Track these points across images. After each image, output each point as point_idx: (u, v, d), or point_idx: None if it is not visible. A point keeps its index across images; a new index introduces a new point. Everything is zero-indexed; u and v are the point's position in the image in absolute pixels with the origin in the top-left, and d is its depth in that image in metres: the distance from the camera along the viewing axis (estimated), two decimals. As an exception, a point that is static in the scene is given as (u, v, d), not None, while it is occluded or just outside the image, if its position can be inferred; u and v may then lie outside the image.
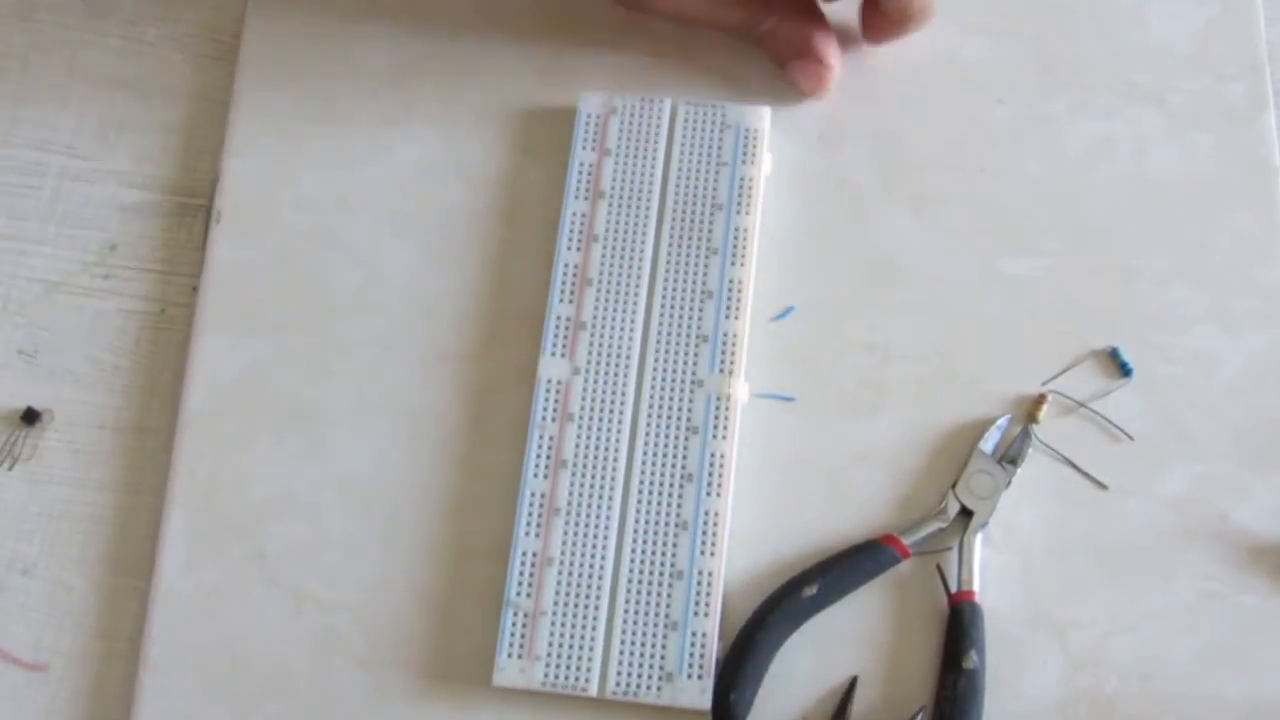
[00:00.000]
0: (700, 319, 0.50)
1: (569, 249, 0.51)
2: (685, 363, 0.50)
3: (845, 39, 0.54)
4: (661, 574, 0.47)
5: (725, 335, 0.50)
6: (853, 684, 0.47)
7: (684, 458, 0.48)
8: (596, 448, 0.49)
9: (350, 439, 0.50)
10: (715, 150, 0.52)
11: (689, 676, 0.46)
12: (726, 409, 0.49)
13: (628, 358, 0.50)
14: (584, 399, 0.49)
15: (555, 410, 0.49)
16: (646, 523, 0.48)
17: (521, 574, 0.47)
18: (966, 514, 0.48)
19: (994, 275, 0.52)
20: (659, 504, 0.48)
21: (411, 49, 0.55)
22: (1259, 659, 0.47)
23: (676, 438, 0.49)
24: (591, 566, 0.47)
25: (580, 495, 0.48)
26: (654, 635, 0.47)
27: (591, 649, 0.47)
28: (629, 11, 0.52)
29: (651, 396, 0.49)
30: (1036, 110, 0.54)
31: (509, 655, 0.47)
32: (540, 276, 0.51)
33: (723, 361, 0.49)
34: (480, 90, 0.54)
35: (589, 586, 0.47)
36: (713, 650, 0.46)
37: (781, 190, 0.53)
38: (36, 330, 0.53)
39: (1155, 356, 0.51)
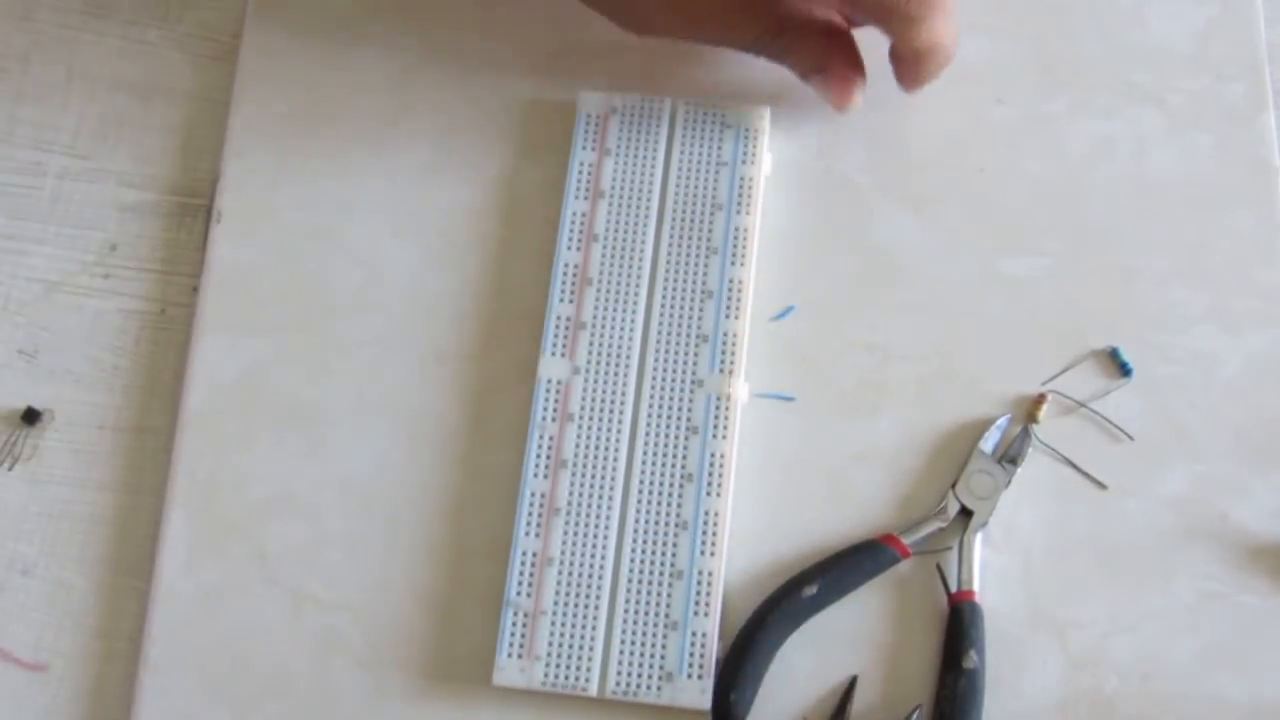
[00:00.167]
0: (700, 319, 0.50)
1: (569, 249, 0.51)
2: (685, 363, 0.50)
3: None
4: (661, 574, 0.47)
5: (725, 335, 0.50)
6: (852, 684, 0.47)
7: (684, 458, 0.48)
8: (596, 448, 0.49)
9: (350, 439, 0.50)
10: (715, 150, 0.52)
11: (689, 676, 0.46)
12: (726, 409, 0.49)
13: (628, 358, 0.50)
14: (584, 399, 0.49)
15: (555, 410, 0.49)
16: (646, 523, 0.48)
17: (521, 574, 0.47)
18: (966, 514, 0.48)
19: (994, 275, 0.52)
20: (659, 504, 0.48)
21: (411, 49, 0.55)
22: (1259, 659, 0.47)
23: (676, 438, 0.49)
24: (591, 566, 0.47)
25: (580, 495, 0.48)
26: (654, 635, 0.47)
27: (591, 649, 0.47)
28: (640, 36, 0.51)
29: (651, 396, 0.49)
30: (1036, 110, 0.54)
31: (509, 655, 0.47)
32: (540, 276, 0.51)
33: (723, 361, 0.49)
34: (480, 91, 0.54)
35: (589, 586, 0.47)
36: (713, 650, 0.46)
37: (781, 190, 0.53)
38: (36, 330, 0.53)
39: (1155, 356, 0.51)
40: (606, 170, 0.52)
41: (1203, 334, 0.51)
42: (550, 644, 0.47)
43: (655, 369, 0.50)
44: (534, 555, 0.48)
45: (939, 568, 0.48)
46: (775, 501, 0.49)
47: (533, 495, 0.48)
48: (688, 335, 0.50)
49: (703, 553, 0.47)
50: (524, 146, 0.54)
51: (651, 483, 0.48)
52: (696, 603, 0.47)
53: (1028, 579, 0.48)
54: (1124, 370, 0.50)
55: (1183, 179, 0.53)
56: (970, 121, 0.54)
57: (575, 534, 0.48)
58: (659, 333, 0.50)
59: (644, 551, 0.48)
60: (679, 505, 0.48)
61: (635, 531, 0.48)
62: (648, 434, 0.49)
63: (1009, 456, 0.49)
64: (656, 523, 0.48)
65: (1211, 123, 0.53)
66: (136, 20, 0.57)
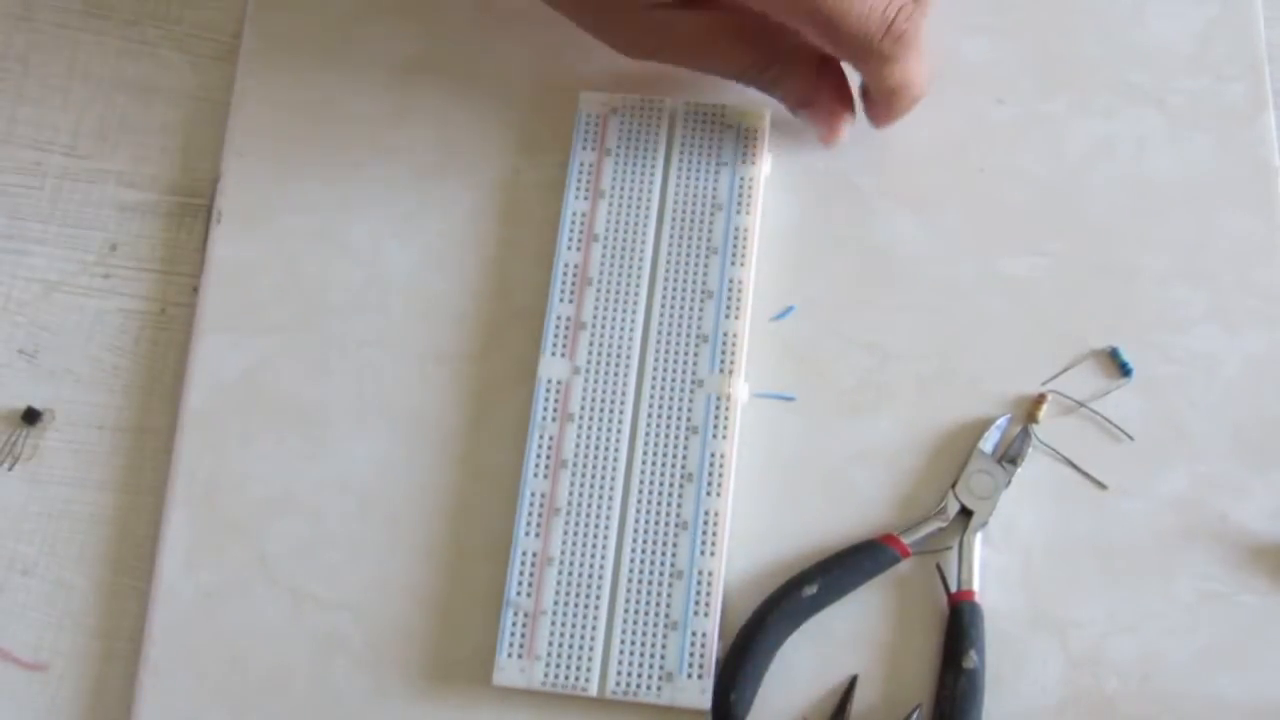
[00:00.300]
0: (700, 319, 0.50)
1: (569, 249, 0.51)
2: (685, 363, 0.50)
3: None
4: (661, 574, 0.47)
5: (725, 335, 0.50)
6: (852, 683, 0.47)
7: (684, 458, 0.48)
8: (596, 448, 0.49)
9: (350, 439, 0.50)
10: (715, 150, 0.52)
11: (689, 676, 0.46)
12: (726, 409, 0.49)
13: (628, 358, 0.50)
14: (584, 399, 0.49)
15: (555, 410, 0.49)
16: (646, 523, 0.48)
17: (521, 574, 0.47)
18: (966, 514, 0.48)
19: (994, 275, 0.52)
20: (659, 504, 0.48)
21: (411, 49, 0.55)
22: (1259, 659, 0.47)
23: (676, 438, 0.49)
24: (591, 566, 0.47)
25: (580, 495, 0.48)
26: (654, 635, 0.47)
27: (591, 649, 0.47)
28: (637, 59, 0.51)
29: (651, 396, 0.49)
30: (1036, 110, 0.54)
31: (509, 655, 0.47)
32: (540, 276, 0.51)
33: (723, 361, 0.49)
34: (480, 91, 0.54)
35: (589, 586, 0.47)
36: (713, 650, 0.46)
37: (781, 190, 0.53)
38: (36, 330, 0.53)
39: (1155, 356, 0.51)
40: (606, 170, 0.52)
41: (1203, 334, 0.51)
42: (550, 644, 0.47)
43: (655, 369, 0.50)
44: (534, 555, 0.48)
45: (939, 568, 0.48)
46: (775, 501, 0.49)
47: (533, 495, 0.48)
48: (688, 335, 0.50)
49: (703, 553, 0.47)
50: (524, 147, 0.54)
51: (651, 483, 0.48)
52: (696, 603, 0.47)
53: (1028, 579, 0.48)
54: (1124, 370, 0.50)
55: (1182, 179, 0.53)
56: (970, 121, 0.54)
57: (575, 534, 0.48)
58: (659, 333, 0.50)
59: (644, 551, 0.48)
60: (679, 505, 0.48)
61: (635, 531, 0.48)
62: (648, 434, 0.49)
63: (1009, 456, 0.49)
64: (656, 523, 0.48)
65: (1211, 123, 0.53)
66: (136, 20, 0.57)
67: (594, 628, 0.47)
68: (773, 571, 0.48)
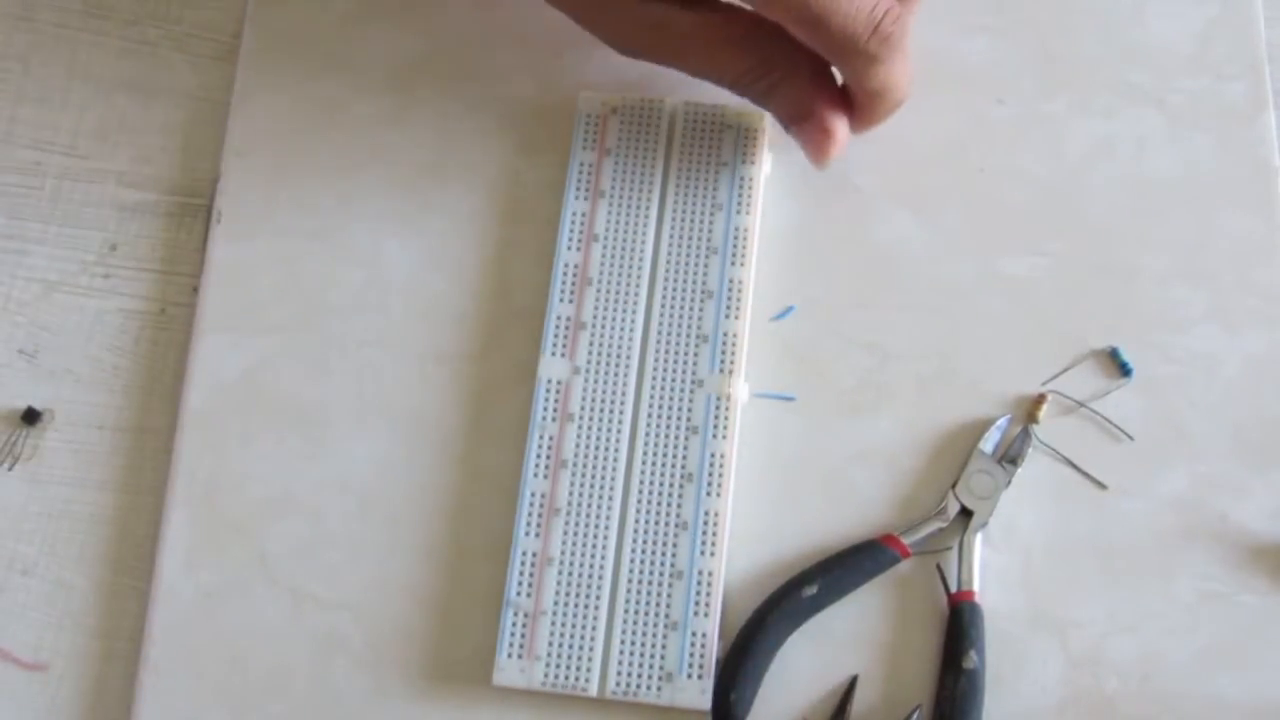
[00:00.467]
0: (700, 319, 0.50)
1: (569, 249, 0.51)
2: (685, 363, 0.50)
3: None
4: (661, 574, 0.47)
5: (725, 335, 0.50)
6: (853, 684, 0.47)
7: (684, 458, 0.48)
8: (596, 448, 0.49)
9: (350, 439, 0.50)
10: (715, 150, 0.52)
11: (689, 676, 0.46)
12: (726, 409, 0.49)
13: (628, 358, 0.50)
14: (584, 399, 0.49)
15: (555, 410, 0.49)
16: (646, 523, 0.48)
17: (521, 574, 0.47)
18: (966, 514, 0.48)
19: (994, 275, 0.52)
20: (659, 504, 0.48)
21: (411, 49, 0.55)
22: (1259, 659, 0.47)
23: (676, 438, 0.49)
24: (591, 566, 0.47)
25: (580, 495, 0.48)
26: (654, 635, 0.47)
27: (591, 649, 0.47)
28: (632, 56, 0.50)
29: (651, 396, 0.49)
30: (1036, 110, 0.54)
31: (509, 655, 0.47)
32: (540, 276, 0.51)
33: (723, 361, 0.49)
34: (480, 90, 0.54)
35: (589, 586, 0.47)
36: (713, 650, 0.46)
37: (781, 190, 0.53)
38: (36, 330, 0.53)
39: (1155, 356, 0.51)
40: (606, 170, 0.52)
41: (1203, 334, 0.51)
42: (550, 644, 0.47)
43: (655, 369, 0.50)
44: (534, 555, 0.48)
45: (939, 568, 0.48)
46: (775, 501, 0.49)
47: (533, 495, 0.48)
48: (688, 335, 0.50)
49: (703, 553, 0.47)
50: (524, 146, 0.54)
51: (651, 483, 0.48)
52: (696, 603, 0.47)
53: (1028, 579, 0.48)
54: (1124, 370, 0.50)
55: (1182, 179, 0.53)
56: (970, 121, 0.54)
57: (575, 534, 0.48)
58: (659, 333, 0.50)
59: (644, 551, 0.48)
60: (679, 505, 0.48)
61: (635, 531, 0.48)
62: (648, 434, 0.49)
63: (1009, 456, 0.49)
64: (656, 523, 0.48)
65: (1211, 123, 0.53)
66: (136, 20, 0.57)
67: (594, 628, 0.47)
68: (773, 571, 0.48)
